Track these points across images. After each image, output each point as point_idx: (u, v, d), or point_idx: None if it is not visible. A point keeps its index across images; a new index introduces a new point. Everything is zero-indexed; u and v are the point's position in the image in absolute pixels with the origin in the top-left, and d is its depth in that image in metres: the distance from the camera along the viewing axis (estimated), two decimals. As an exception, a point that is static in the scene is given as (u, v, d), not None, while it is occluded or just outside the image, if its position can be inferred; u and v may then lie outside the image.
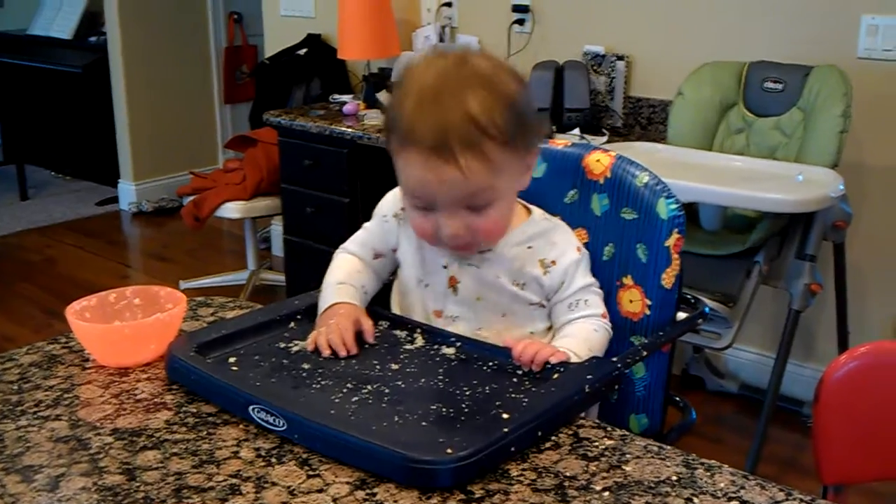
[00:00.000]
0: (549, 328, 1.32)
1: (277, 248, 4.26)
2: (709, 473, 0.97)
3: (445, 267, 1.30)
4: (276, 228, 4.23)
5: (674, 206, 1.28)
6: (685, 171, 2.40)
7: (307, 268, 3.41)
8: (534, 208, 1.34)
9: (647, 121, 3.13)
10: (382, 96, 3.33)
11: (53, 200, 5.37)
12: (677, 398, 1.39)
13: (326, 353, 1.18)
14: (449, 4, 3.55)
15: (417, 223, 1.24)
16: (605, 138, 2.96)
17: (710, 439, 2.82)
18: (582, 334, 1.26)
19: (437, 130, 1.14)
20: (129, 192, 5.14)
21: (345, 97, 3.56)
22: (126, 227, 5.04)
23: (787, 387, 2.60)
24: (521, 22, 3.36)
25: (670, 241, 1.28)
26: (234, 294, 3.76)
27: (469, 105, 1.14)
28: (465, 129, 1.14)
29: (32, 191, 5.42)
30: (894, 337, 2.80)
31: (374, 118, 3.27)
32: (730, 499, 0.92)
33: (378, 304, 1.36)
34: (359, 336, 1.23)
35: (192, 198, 3.70)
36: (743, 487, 0.94)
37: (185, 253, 4.49)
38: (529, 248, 1.30)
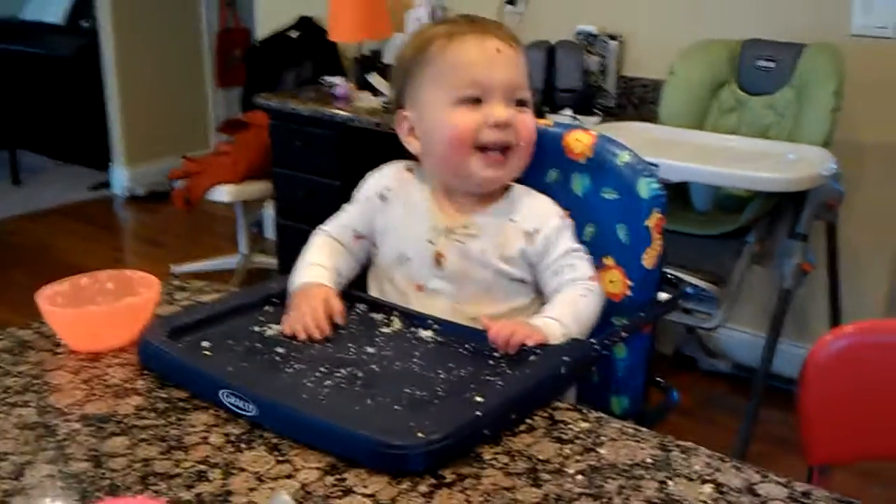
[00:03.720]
0: (531, 303, 1.31)
1: (270, 232, 4.24)
2: (684, 455, 0.95)
3: (431, 242, 1.29)
4: (269, 212, 4.21)
5: (654, 186, 1.26)
6: (677, 150, 2.39)
7: (299, 251, 3.39)
8: (513, 184, 1.33)
9: (639, 101, 3.10)
10: (373, 78, 3.31)
11: (46, 185, 5.34)
12: (659, 379, 1.37)
13: (302, 336, 1.17)
14: (440, -16, 3.51)
15: (461, 118, 1.25)
16: (597, 118, 2.94)
17: (703, 420, 2.81)
18: (566, 301, 1.24)
19: (484, 20, 1.30)
20: (121, 177, 5.12)
21: (335, 79, 3.53)
22: (119, 212, 5.02)
23: (781, 366, 2.59)
24: (512, 2, 3.33)
25: (651, 221, 1.26)
26: (226, 278, 3.75)
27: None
28: (507, 29, 1.30)
29: (25, 175, 5.39)
30: (886, 315, 2.78)
31: (365, 100, 3.25)
32: (705, 481, 0.91)
33: (355, 288, 1.34)
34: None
35: (183, 181, 3.68)
36: (718, 469, 0.93)
37: (177, 237, 4.48)
38: (512, 220, 1.30)
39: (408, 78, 1.32)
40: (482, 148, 1.26)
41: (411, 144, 1.33)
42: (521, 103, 1.28)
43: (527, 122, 1.28)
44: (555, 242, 1.28)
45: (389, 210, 1.34)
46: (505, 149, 1.27)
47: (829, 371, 1.36)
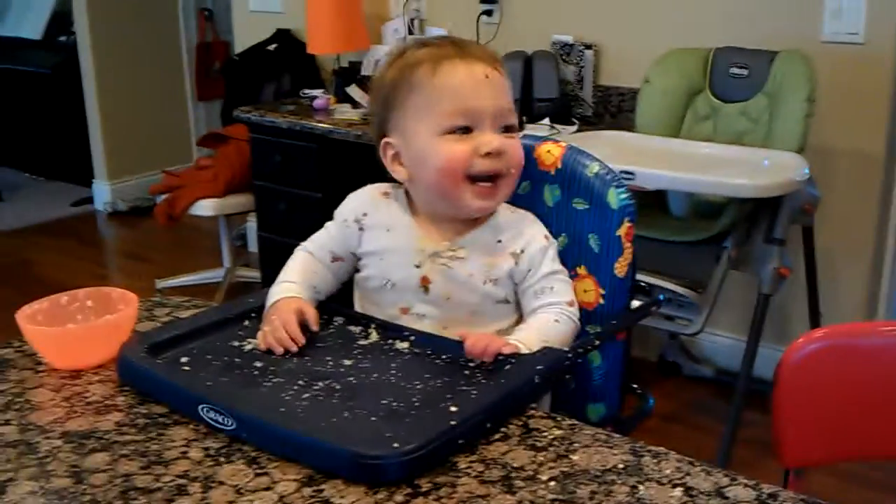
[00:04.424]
0: (515, 323, 1.32)
1: (253, 245, 4.25)
2: (655, 460, 0.97)
3: (418, 266, 1.30)
4: (252, 225, 4.22)
5: (624, 196, 1.28)
6: (652, 158, 2.41)
7: (282, 264, 3.40)
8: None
9: (616, 109, 3.14)
10: (352, 90, 3.33)
11: (28, 202, 5.33)
12: (635, 386, 1.39)
13: (279, 351, 1.18)
14: (417, -4, 3.54)
15: (452, 149, 1.24)
16: (574, 127, 2.97)
17: (688, 425, 2.83)
18: (537, 325, 1.26)
19: (468, 43, 1.29)
20: (103, 192, 5.12)
21: (315, 92, 3.55)
22: (102, 228, 5.02)
23: (763, 370, 2.61)
24: (489, 13, 3.35)
25: (622, 231, 1.28)
26: (210, 292, 3.76)
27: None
28: (489, 50, 1.31)
29: (6, 193, 5.38)
30: (866, 316, 2.81)
31: (344, 112, 3.26)
32: (675, 485, 0.93)
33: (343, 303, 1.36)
34: (306, 327, 1.23)
35: (165, 196, 3.68)
36: (688, 473, 0.95)
37: (161, 252, 4.47)
38: (500, 241, 1.30)
39: (391, 104, 1.29)
40: (473, 178, 1.25)
41: (397, 172, 1.31)
42: (509, 129, 1.27)
43: (517, 149, 1.28)
44: (538, 263, 1.29)
45: (369, 237, 1.34)
46: (496, 177, 1.26)
47: (802, 374, 1.38)
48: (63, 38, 5.38)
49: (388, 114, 1.31)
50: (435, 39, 1.32)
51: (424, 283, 1.29)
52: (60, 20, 5.44)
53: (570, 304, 1.29)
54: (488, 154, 1.24)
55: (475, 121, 1.24)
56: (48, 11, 5.53)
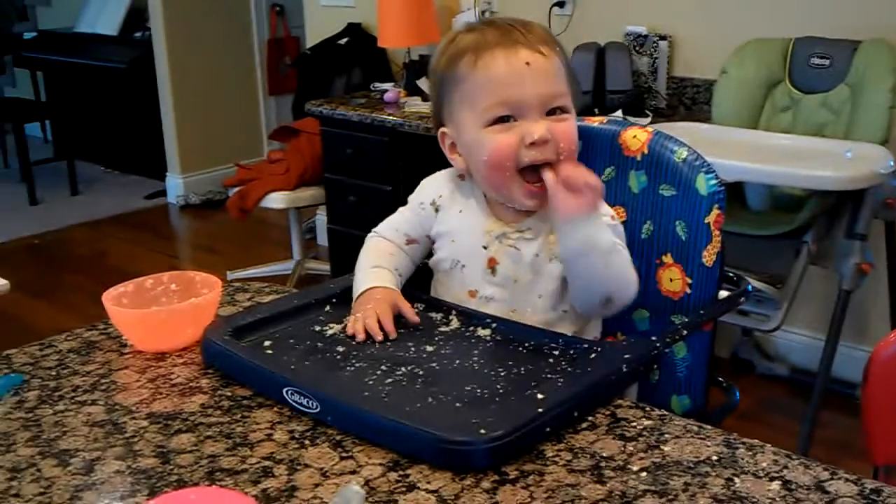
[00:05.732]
0: None
1: (323, 238, 4.27)
2: (750, 453, 0.94)
3: (485, 248, 1.29)
4: (321, 218, 4.24)
5: (713, 182, 1.25)
6: (730, 149, 2.36)
7: (351, 256, 3.41)
8: None
9: (691, 101, 3.08)
10: (423, 83, 3.32)
11: (103, 195, 5.44)
12: (721, 379, 1.35)
13: (361, 337, 1.17)
14: (488, -11, 3.52)
15: (498, 141, 1.21)
16: (648, 119, 2.92)
17: (761, 423, 2.77)
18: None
19: (512, 29, 1.23)
20: (176, 185, 5.20)
21: (386, 85, 3.56)
22: (174, 220, 5.10)
23: (840, 369, 2.55)
24: (561, 4, 3.32)
25: (710, 218, 1.25)
26: (280, 283, 3.78)
27: (536, 24, 1.26)
28: (539, 30, 1.24)
29: (82, 185, 5.51)
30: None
31: (415, 105, 3.26)
32: (772, 478, 0.90)
33: (419, 287, 1.35)
34: (398, 319, 1.22)
35: (237, 189, 3.72)
36: (786, 467, 0.92)
37: (232, 244, 4.53)
38: None
39: (442, 94, 1.29)
40: (523, 170, 1.22)
41: (455, 161, 1.31)
42: (558, 111, 1.23)
43: (567, 132, 1.22)
44: None
45: (443, 218, 1.34)
46: (546, 165, 1.22)
47: (894, 369, 1.33)
48: (139, 34, 5.49)
49: (441, 104, 1.30)
50: (481, 24, 1.28)
51: (492, 265, 1.28)
52: (136, 17, 5.55)
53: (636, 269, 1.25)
54: (534, 143, 1.20)
55: (517, 110, 1.21)
56: (124, 8, 5.65)
